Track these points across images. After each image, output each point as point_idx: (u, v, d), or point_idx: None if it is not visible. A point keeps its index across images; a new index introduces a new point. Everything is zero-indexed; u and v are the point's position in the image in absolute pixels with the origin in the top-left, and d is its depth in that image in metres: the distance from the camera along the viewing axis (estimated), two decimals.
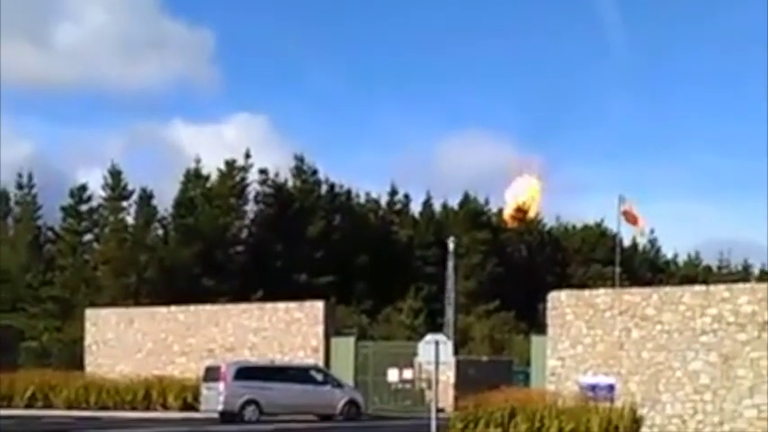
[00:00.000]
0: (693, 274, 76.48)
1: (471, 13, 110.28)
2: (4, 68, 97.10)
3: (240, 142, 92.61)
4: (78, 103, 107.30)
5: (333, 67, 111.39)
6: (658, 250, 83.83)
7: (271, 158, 78.52)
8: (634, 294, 28.64)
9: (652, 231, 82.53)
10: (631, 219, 47.62)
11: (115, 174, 60.69)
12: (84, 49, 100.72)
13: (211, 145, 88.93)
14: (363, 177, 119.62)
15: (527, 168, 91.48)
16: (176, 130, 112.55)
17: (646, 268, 77.88)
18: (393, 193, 73.86)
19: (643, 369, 27.44)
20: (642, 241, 56.60)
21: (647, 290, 29.41)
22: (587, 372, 28.28)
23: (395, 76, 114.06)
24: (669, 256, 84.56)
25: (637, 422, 25.40)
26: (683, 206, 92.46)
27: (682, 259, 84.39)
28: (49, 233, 63.62)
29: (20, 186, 63.99)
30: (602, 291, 30.33)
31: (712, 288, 27.73)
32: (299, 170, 66.85)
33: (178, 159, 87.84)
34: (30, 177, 63.89)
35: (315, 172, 67.44)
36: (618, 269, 52.29)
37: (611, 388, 27.61)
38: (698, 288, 28.31)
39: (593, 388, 27.77)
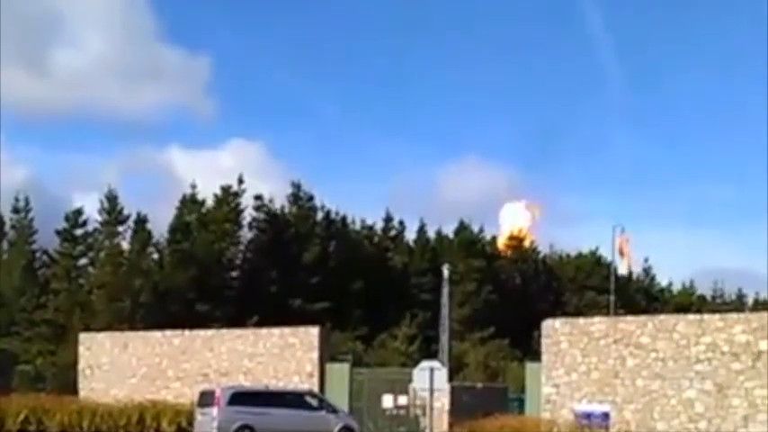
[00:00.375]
0: (688, 302, 76.46)
1: (468, 43, 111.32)
2: (3, 94, 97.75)
3: (236, 168, 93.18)
4: (75, 130, 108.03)
5: (329, 94, 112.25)
6: (653, 279, 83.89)
7: (266, 184, 79.02)
8: (629, 323, 28.77)
9: (646, 260, 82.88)
10: (621, 252, 51.64)
11: (111, 198, 60.72)
12: (82, 76, 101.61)
13: (207, 171, 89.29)
14: (358, 204, 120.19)
15: (522, 196, 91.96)
16: (172, 155, 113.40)
17: (640, 297, 77.82)
18: (388, 219, 74.02)
19: (638, 397, 27.52)
20: (624, 271, 58.19)
21: (641, 318, 29.55)
22: (582, 399, 28.35)
23: (391, 103, 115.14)
24: (664, 284, 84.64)
25: None
26: (678, 235, 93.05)
27: (676, 288, 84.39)
28: (44, 257, 63.52)
29: (16, 210, 63.96)
30: (596, 319, 30.46)
31: (707, 317, 27.88)
32: (295, 196, 66.99)
33: (174, 185, 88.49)
34: (27, 201, 63.88)
35: (311, 198, 67.58)
36: (612, 297, 52.40)
37: (605, 416, 27.67)
38: (692, 317, 28.47)
39: (588, 416, 27.84)
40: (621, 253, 51.97)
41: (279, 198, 66.37)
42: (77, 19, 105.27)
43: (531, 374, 30.46)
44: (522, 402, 31.81)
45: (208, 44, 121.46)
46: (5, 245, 64.34)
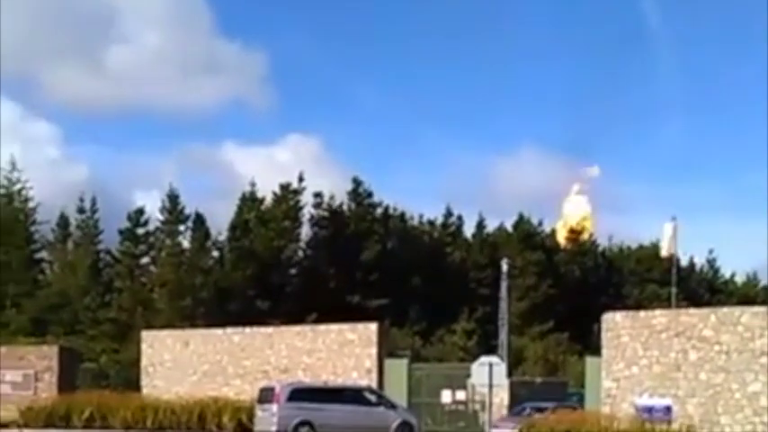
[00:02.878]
0: (752, 294, 75.05)
1: (525, 35, 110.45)
2: (61, 92, 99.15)
3: (293, 163, 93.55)
4: (132, 126, 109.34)
5: (385, 87, 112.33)
6: (716, 270, 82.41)
7: (323, 179, 79.00)
8: (691, 315, 28.27)
9: (710, 251, 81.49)
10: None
11: (172, 197, 61.59)
12: (138, 72, 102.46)
13: (264, 167, 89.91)
14: (415, 198, 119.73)
15: (581, 181, 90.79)
16: (229, 151, 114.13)
17: (703, 289, 76.57)
18: (447, 214, 73.79)
19: (701, 391, 27.03)
20: (665, 253, 58.64)
21: (704, 310, 29.03)
22: (643, 394, 27.93)
23: (447, 96, 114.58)
24: (727, 276, 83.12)
25: None
26: (741, 226, 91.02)
27: (740, 279, 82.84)
28: (107, 257, 64.61)
29: (81, 211, 65.02)
30: (658, 312, 29.97)
31: None
32: (355, 193, 67.11)
33: (231, 181, 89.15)
34: (93, 202, 64.83)
35: (370, 195, 67.67)
36: (674, 290, 51.70)
37: (667, 410, 27.24)
38: (757, 308, 27.86)
39: (650, 410, 27.43)
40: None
41: (338, 194, 66.69)
42: (132, 14, 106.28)
43: (590, 368, 30.12)
44: (581, 397, 31.53)
45: (264, 38, 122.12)
46: (71, 245, 65.51)
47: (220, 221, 63.41)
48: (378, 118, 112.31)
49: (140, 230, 62.21)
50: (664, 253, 57.62)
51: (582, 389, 31.87)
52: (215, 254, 62.23)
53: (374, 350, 34.11)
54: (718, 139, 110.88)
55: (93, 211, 64.79)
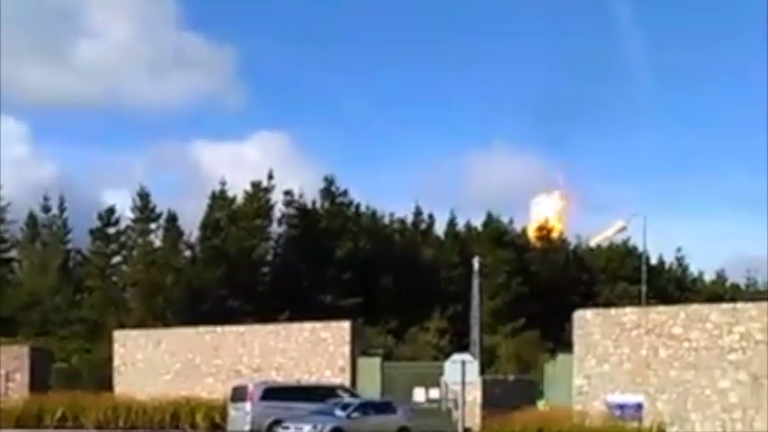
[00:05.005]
0: (720, 292, 75.82)
1: (497, 33, 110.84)
2: (28, 89, 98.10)
3: (263, 161, 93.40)
4: (100, 122, 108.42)
5: (355, 85, 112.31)
6: (685, 268, 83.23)
7: (294, 177, 78.90)
8: (661, 313, 28.61)
9: (678, 249, 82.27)
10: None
11: (143, 196, 61.25)
12: (106, 67, 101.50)
13: (234, 164, 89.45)
14: (386, 195, 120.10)
15: (551, 186, 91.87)
16: (199, 149, 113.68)
17: (672, 287, 77.27)
18: (418, 213, 73.98)
19: (671, 387, 27.37)
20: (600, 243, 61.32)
21: (673, 308, 29.38)
22: (614, 391, 28.23)
23: (418, 94, 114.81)
24: (696, 274, 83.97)
25: None
26: (710, 224, 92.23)
27: (708, 277, 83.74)
28: (78, 256, 64.11)
29: (46, 210, 64.32)
30: (628, 309, 30.32)
31: (740, 306, 27.67)
32: (327, 191, 67.04)
33: (201, 179, 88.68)
34: (62, 201, 64.17)
35: (344, 193, 67.61)
36: (644, 288, 52.15)
37: (638, 407, 27.56)
38: (725, 306, 28.27)
39: (621, 407, 27.74)
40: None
41: (308, 192, 66.60)
42: (97, 8, 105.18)
43: (561, 366, 30.39)
44: (541, 392, 31.79)
45: (233, 33, 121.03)
46: (39, 245, 64.88)
47: (190, 219, 63.16)
48: (348, 116, 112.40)
49: (111, 230, 61.81)
50: (596, 240, 60.14)
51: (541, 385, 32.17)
52: (186, 253, 61.95)
53: (347, 348, 34.24)
54: (688, 139, 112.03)
55: (62, 210, 64.18)
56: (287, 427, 27.64)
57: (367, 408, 28.95)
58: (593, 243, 67.00)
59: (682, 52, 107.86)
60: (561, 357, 31.34)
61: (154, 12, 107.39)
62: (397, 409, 29.68)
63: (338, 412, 28.34)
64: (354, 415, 28.23)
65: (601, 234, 62.33)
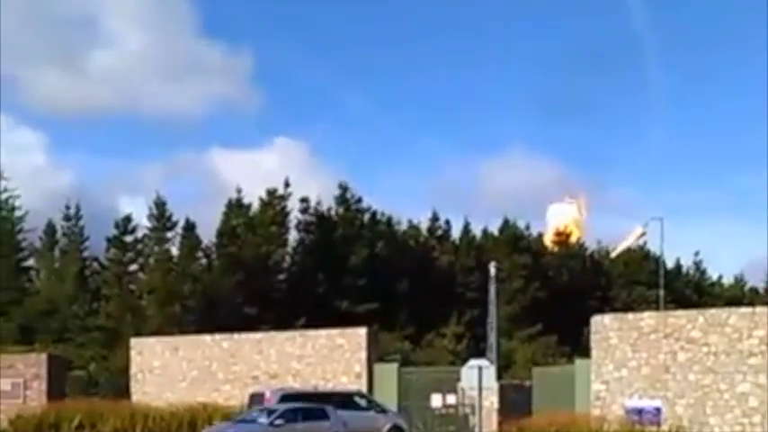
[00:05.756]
0: (739, 295, 75.39)
1: (513, 37, 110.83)
2: (45, 98, 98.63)
3: (279, 168, 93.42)
4: (117, 130, 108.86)
5: (372, 91, 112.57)
6: (703, 272, 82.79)
7: (310, 184, 78.87)
8: (679, 317, 28.44)
9: (696, 253, 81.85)
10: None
11: (160, 204, 61.45)
12: (123, 75, 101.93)
13: (250, 171, 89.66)
14: (403, 201, 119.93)
15: (568, 190, 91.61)
16: (215, 156, 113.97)
17: (690, 291, 76.90)
18: (434, 218, 73.86)
19: (690, 392, 27.18)
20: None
21: (692, 312, 29.20)
22: (633, 395, 28.07)
23: (434, 99, 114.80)
24: (714, 277, 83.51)
25: None
26: (728, 227, 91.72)
27: (727, 281, 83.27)
28: (95, 264, 64.40)
29: (67, 218, 64.78)
30: (646, 314, 30.13)
31: (759, 309, 27.44)
32: (342, 198, 67.09)
33: (218, 186, 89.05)
34: (78, 209, 64.65)
35: (358, 200, 67.65)
36: (662, 292, 51.84)
37: (657, 411, 27.38)
38: (744, 310, 28.05)
39: (639, 412, 27.57)
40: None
41: (325, 199, 66.67)
42: (113, 17, 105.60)
43: (579, 371, 30.21)
44: None
45: (250, 40, 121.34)
46: (57, 253, 65.27)
47: (206, 227, 63.37)
48: (365, 122, 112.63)
49: (128, 238, 62.05)
50: (617, 252, 59.72)
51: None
52: (203, 261, 62.11)
53: (364, 355, 34.20)
54: (705, 141, 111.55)
55: (78, 219, 64.62)
56: None
57: (295, 414, 27.34)
58: (614, 255, 66.86)
59: (696, 53, 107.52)
60: (579, 362, 31.10)
61: (170, 19, 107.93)
62: (330, 414, 28.14)
63: (261, 419, 26.88)
64: (278, 422, 26.77)
65: (621, 244, 61.91)
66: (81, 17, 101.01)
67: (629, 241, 62.27)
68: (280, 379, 35.07)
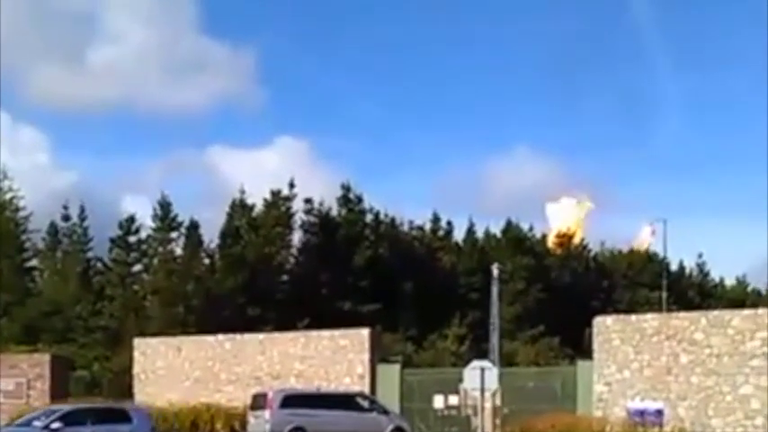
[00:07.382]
0: (742, 297, 75.35)
1: (516, 37, 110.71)
2: (47, 96, 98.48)
3: (283, 166, 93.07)
4: (119, 129, 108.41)
5: (376, 91, 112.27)
6: (706, 274, 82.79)
7: (313, 183, 78.80)
8: (682, 318, 28.44)
9: (700, 255, 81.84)
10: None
11: (164, 205, 61.52)
12: (125, 73, 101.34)
13: (253, 170, 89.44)
14: (406, 202, 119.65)
15: (571, 190, 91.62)
16: (218, 155, 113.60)
17: (693, 292, 76.88)
18: (436, 219, 73.93)
19: (692, 394, 27.18)
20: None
21: (695, 314, 29.20)
22: (635, 397, 28.07)
23: (437, 100, 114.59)
24: (717, 279, 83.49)
25: None
26: (731, 228, 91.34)
27: (730, 283, 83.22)
28: (98, 264, 64.47)
29: (66, 218, 64.72)
30: (649, 315, 30.15)
31: (761, 311, 27.42)
32: (345, 199, 67.13)
33: (221, 186, 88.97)
34: (82, 210, 64.62)
35: (361, 200, 67.69)
36: (665, 293, 51.91)
37: (659, 413, 27.38)
38: (747, 312, 28.05)
39: (642, 413, 27.56)
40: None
41: (328, 199, 66.67)
42: (115, 13, 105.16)
43: (582, 373, 30.23)
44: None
45: (253, 38, 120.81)
46: (60, 254, 65.33)
47: (208, 225, 63.33)
48: (368, 122, 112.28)
49: (132, 238, 62.13)
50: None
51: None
52: (206, 261, 62.17)
53: (366, 356, 34.20)
54: (709, 143, 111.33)
55: (82, 219, 64.61)
56: None
57: (84, 415, 24.55)
58: (626, 249, 67.03)
59: (701, 54, 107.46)
60: (581, 364, 31.12)
61: (173, 16, 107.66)
62: (132, 417, 25.49)
63: (36, 423, 24.35)
64: (55, 426, 23.92)
65: (635, 242, 62.10)
66: (83, 14, 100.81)
67: (643, 238, 62.42)
68: (282, 380, 35.09)
